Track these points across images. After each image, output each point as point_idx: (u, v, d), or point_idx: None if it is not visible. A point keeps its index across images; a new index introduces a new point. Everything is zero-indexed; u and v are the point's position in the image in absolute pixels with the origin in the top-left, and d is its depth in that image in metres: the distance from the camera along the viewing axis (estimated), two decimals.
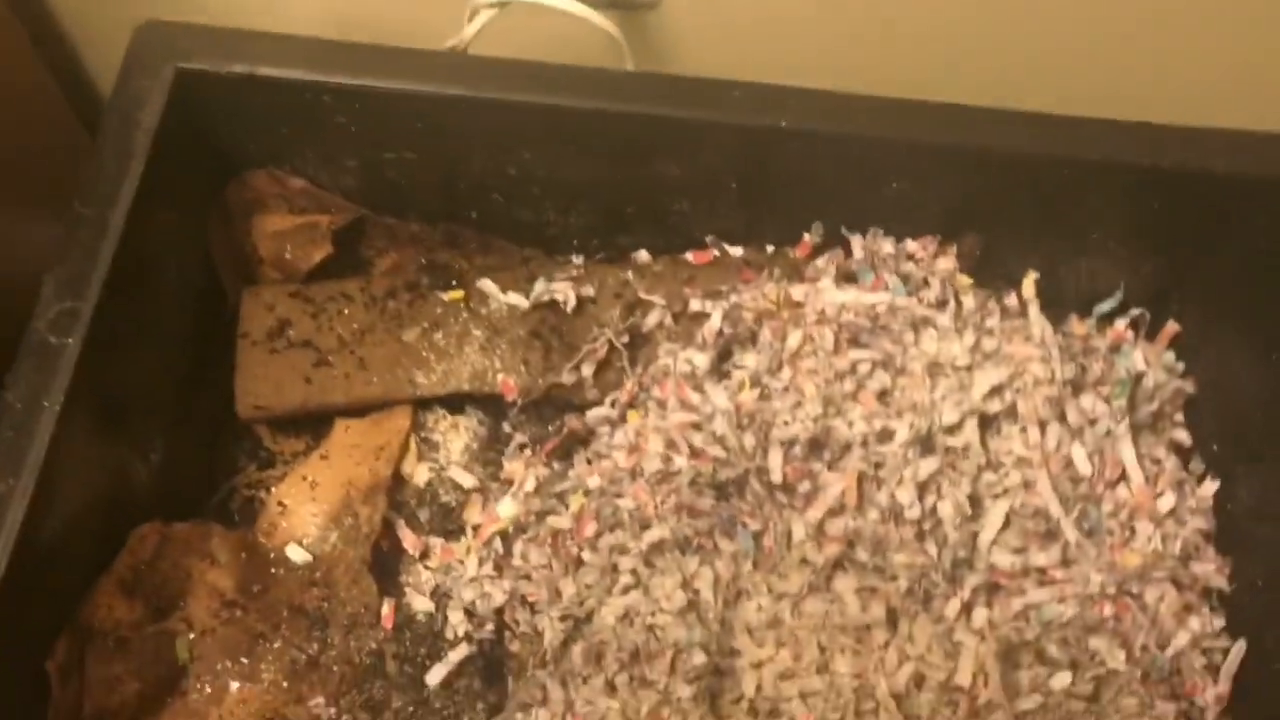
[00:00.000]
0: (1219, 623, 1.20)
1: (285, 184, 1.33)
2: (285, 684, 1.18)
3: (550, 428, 1.32)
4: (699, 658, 1.11)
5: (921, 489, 1.20)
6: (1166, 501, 1.23)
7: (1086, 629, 1.17)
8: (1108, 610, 1.17)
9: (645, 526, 1.20)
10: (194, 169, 1.25)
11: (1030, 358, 1.26)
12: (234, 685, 1.16)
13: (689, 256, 1.40)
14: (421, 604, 1.21)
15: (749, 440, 1.22)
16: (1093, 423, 1.25)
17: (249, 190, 1.33)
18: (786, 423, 1.24)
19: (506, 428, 1.33)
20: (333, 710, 1.14)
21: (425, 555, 1.24)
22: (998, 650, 1.14)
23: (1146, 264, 1.36)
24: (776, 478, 1.21)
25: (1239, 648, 1.17)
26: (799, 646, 1.17)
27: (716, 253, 1.39)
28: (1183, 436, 1.31)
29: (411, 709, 1.14)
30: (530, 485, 1.23)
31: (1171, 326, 1.36)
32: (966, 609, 1.19)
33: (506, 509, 1.21)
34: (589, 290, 1.35)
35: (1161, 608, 1.19)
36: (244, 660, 1.18)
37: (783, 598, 1.19)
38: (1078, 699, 1.14)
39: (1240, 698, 1.16)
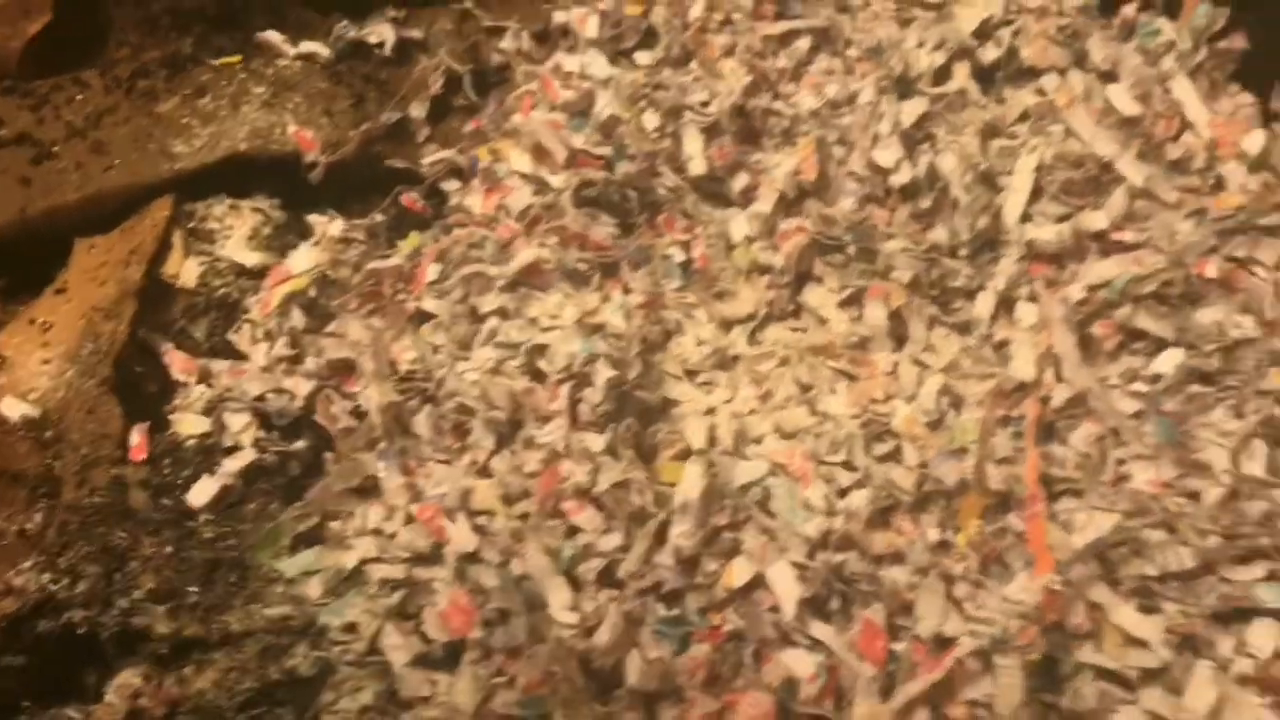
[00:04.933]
0: None
1: None
2: None
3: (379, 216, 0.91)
4: (606, 372, 0.69)
5: (910, 144, 0.81)
6: (1255, 141, 0.84)
7: (1186, 299, 0.77)
8: (1211, 271, 0.77)
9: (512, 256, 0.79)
10: None
11: None
12: None
13: None
14: (193, 426, 0.78)
15: (650, 120, 0.83)
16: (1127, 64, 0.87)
17: None
18: (704, 104, 0.85)
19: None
20: (45, 576, 0.70)
21: (205, 382, 0.81)
22: (1067, 330, 0.74)
23: None
24: (698, 168, 0.82)
25: None
26: (765, 384, 0.76)
27: None
28: (1245, 98, 0.93)
29: (169, 549, 0.70)
30: (338, 230, 0.82)
31: None
32: (1005, 305, 0.79)
33: (303, 259, 0.80)
34: (416, 33, 0.97)
35: None
36: None
37: (732, 325, 0.78)
38: (1200, 382, 0.73)
39: None
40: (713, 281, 0.79)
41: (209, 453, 0.76)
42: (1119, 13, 0.97)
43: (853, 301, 0.79)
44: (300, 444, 0.78)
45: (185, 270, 0.87)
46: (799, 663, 0.65)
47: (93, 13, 1.01)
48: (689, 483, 0.67)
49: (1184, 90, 0.87)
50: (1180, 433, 0.71)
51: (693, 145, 0.83)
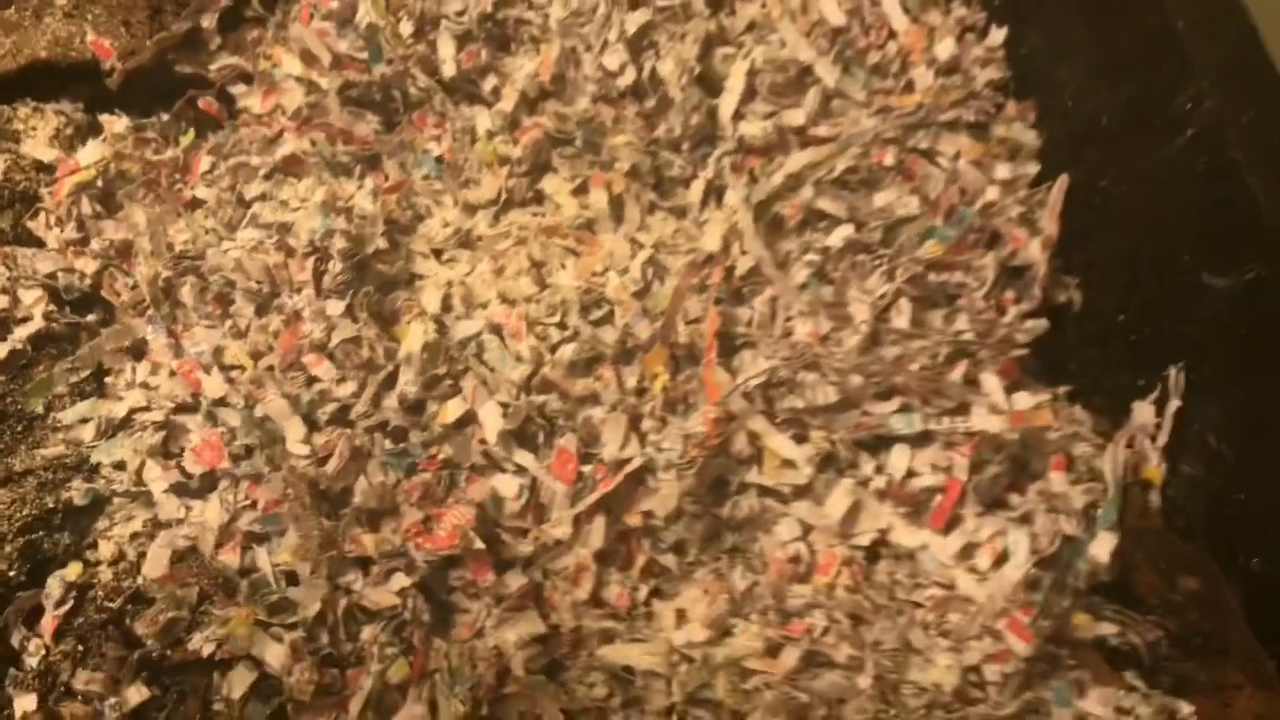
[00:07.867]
0: (1031, 168, 0.93)
1: None
2: None
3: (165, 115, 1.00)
4: (340, 242, 0.80)
5: (635, 51, 0.92)
6: (946, 48, 0.97)
7: (865, 183, 0.90)
8: (890, 159, 0.90)
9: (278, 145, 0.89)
10: None
11: None
12: None
13: None
14: None
15: (406, 28, 0.93)
16: None
17: None
18: (459, 13, 0.95)
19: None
20: None
21: (6, 265, 0.90)
22: (754, 214, 0.86)
23: None
24: (450, 70, 0.92)
25: (1061, 182, 0.91)
26: (502, 260, 0.87)
27: None
28: (960, 12, 1.05)
29: None
30: (123, 128, 0.91)
31: None
32: (714, 192, 0.91)
33: (91, 153, 0.89)
34: None
35: (961, 164, 0.92)
36: None
37: (476, 210, 0.89)
38: (864, 251, 0.86)
39: (1069, 238, 0.90)
40: (460, 171, 0.90)
41: (3, 324, 0.85)
42: None
43: (584, 189, 0.90)
44: (91, 318, 0.88)
45: None
46: (504, 485, 0.77)
47: None
48: (413, 338, 0.79)
49: (889, 3, 0.99)
50: (845, 294, 0.84)
51: (446, 50, 0.93)
